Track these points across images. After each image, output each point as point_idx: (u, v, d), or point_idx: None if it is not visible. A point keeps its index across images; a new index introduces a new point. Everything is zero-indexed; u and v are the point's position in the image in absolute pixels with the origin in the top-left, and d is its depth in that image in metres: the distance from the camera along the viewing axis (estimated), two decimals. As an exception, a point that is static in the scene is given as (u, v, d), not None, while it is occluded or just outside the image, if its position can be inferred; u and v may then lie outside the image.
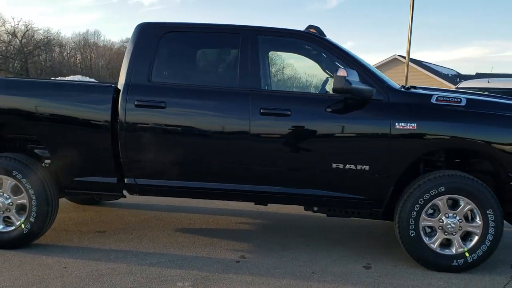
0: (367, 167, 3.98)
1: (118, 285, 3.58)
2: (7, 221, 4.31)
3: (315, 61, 4.54)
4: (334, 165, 4.01)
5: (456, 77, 34.96)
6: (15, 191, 4.26)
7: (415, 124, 3.91)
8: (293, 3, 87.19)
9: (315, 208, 4.38)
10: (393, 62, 35.21)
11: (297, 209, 5.99)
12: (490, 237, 3.96)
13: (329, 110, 4.01)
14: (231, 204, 6.08)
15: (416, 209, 3.97)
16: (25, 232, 4.25)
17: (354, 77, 3.79)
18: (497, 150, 3.91)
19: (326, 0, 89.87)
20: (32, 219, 4.22)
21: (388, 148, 3.94)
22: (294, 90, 5.29)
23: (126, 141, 4.11)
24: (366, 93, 3.88)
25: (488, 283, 3.86)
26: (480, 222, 3.95)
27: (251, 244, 4.64)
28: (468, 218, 4.01)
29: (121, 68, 4.24)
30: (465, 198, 3.94)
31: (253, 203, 4.53)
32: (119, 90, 4.16)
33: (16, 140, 4.54)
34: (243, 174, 4.12)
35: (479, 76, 34.66)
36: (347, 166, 4.00)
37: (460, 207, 3.97)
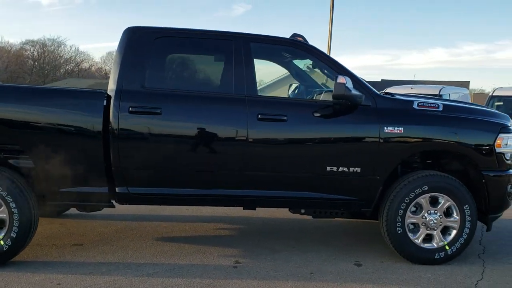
0: (358, 169, 4.19)
1: (126, 298, 3.46)
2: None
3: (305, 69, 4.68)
4: (328, 168, 4.17)
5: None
6: (-2, 205, 3.94)
7: (402, 128, 4.19)
8: (200, 9, 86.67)
9: (302, 211, 4.53)
10: None
11: (277, 213, 6.11)
12: (467, 230, 4.34)
13: (322, 115, 4.17)
14: (203, 210, 6.06)
15: (402, 208, 4.25)
16: (4, 249, 3.94)
17: (350, 84, 3.99)
18: (473, 151, 4.31)
19: (232, 8, 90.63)
20: (13, 235, 3.92)
21: (378, 150, 4.18)
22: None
23: (119, 149, 3.97)
24: (358, 99, 4.09)
25: (468, 271, 4.22)
26: (457, 217, 4.32)
27: (240, 249, 4.67)
28: (447, 214, 4.36)
29: (111, 74, 4.09)
30: (445, 196, 4.29)
31: (241, 207, 4.56)
32: (110, 97, 4.00)
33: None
34: (239, 179, 4.15)
35: (385, 82, 37.13)
36: (340, 169, 4.18)
37: (440, 204, 4.31)
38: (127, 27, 4.20)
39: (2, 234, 3.93)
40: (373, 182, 4.25)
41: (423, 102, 4.38)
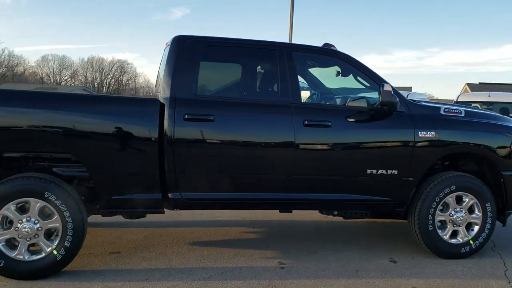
0: (395, 172, 4.47)
1: (198, 302, 3.53)
2: (32, 248, 3.88)
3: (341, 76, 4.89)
4: (368, 171, 4.42)
5: None
6: (44, 214, 3.87)
7: (434, 133, 4.51)
8: (137, 12, 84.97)
9: (335, 212, 4.75)
10: None
11: (286, 215, 6.29)
12: (488, 225, 4.73)
13: (362, 120, 4.42)
14: (219, 214, 6.13)
15: (433, 206, 4.57)
16: (58, 259, 3.88)
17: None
18: (494, 152, 4.70)
19: (170, 11, 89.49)
20: (67, 244, 3.87)
21: (412, 153, 4.48)
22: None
23: (175, 156, 4.02)
24: (398, 105, 4.37)
25: (492, 264, 4.61)
26: (480, 214, 4.70)
27: (276, 251, 4.81)
28: (470, 211, 4.73)
29: (162, 82, 4.13)
30: (470, 195, 4.65)
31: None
32: (163, 104, 4.05)
33: (29, 160, 4.12)
34: (286, 183, 4.31)
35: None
36: (380, 172, 4.44)
37: (465, 202, 4.67)
38: (175, 36, 4.26)
39: (55, 244, 3.87)
40: (407, 183, 4.54)
41: (448, 108, 4.73)
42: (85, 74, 75.42)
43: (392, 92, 4.19)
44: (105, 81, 76.21)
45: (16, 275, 3.81)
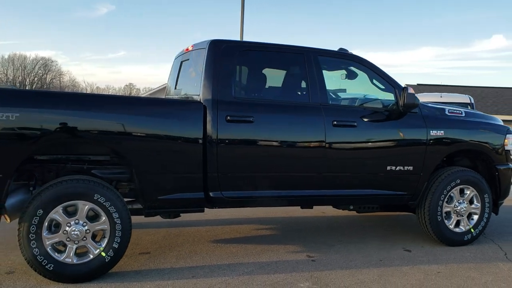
0: (411, 168, 4.86)
1: (256, 295, 3.70)
2: (79, 251, 3.86)
3: (348, 79, 5.21)
4: (388, 168, 4.77)
5: None
6: (92, 216, 3.86)
7: (443, 132, 4.95)
8: (57, 8, 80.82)
9: (351, 207, 5.09)
10: None
11: (290, 212, 6.54)
12: (486, 215, 5.26)
13: (382, 120, 4.77)
14: (223, 212, 6.26)
15: (441, 199, 5.02)
16: (107, 260, 3.88)
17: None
18: (491, 149, 5.23)
19: (93, 8, 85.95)
20: (115, 245, 3.89)
21: (425, 151, 4.89)
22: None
23: (218, 156, 4.14)
24: (419, 107, 4.78)
25: (492, 248, 5.14)
26: (479, 205, 5.22)
27: (299, 245, 5.05)
28: (470, 202, 5.22)
29: (202, 84, 4.23)
30: (471, 187, 5.15)
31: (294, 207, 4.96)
32: (205, 106, 4.16)
33: (68, 162, 4.08)
34: (317, 181, 4.56)
35: None
36: (398, 168, 4.81)
37: (467, 194, 5.16)
38: (211, 39, 4.37)
39: (103, 245, 3.87)
40: (421, 178, 4.94)
41: (451, 109, 5.21)
42: (5, 72, 70.93)
43: (415, 94, 4.57)
44: (27, 79, 72.10)
45: (65, 278, 3.77)
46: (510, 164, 5.44)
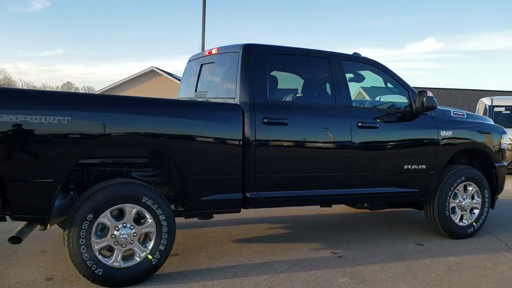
0: (424, 166, 5.17)
1: (305, 291, 3.84)
2: (124, 255, 3.85)
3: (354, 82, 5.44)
4: (405, 167, 5.05)
5: None
6: (138, 219, 3.85)
7: (451, 132, 5.30)
8: None
9: (365, 204, 5.34)
10: (150, 74, 36.56)
11: (294, 210, 6.71)
12: (486, 209, 5.67)
13: (398, 121, 5.04)
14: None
15: (449, 195, 5.37)
16: (153, 263, 3.89)
17: (427, 97, 4.95)
18: (490, 148, 5.64)
19: (29, 3, 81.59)
20: (161, 247, 3.90)
21: (437, 150, 5.22)
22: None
23: (256, 157, 4.24)
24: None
25: (492, 240, 5.55)
26: (479, 200, 5.62)
27: (319, 243, 5.23)
28: (472, 197, 5.61)
29: (237, 87, 4.31)
30: (473, 184, 5.54)
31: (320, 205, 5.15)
32: (242, 109, 4.24)
33: (108, 165, 4.05)
34: (344, 180, 4.76)
35: None
36: (413, 167, 5.10)
37: (470, 191, 5.55)
38: (245, 44, 4.45)
39: (149, 248, 3.88)
40: (432, 176, 5.26)
41: (455, 111, 5.57)
42: None
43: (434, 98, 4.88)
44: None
45: (114, 283, 3.74)
46: (504, 162, 5.89)
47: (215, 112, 4.18)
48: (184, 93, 5.56)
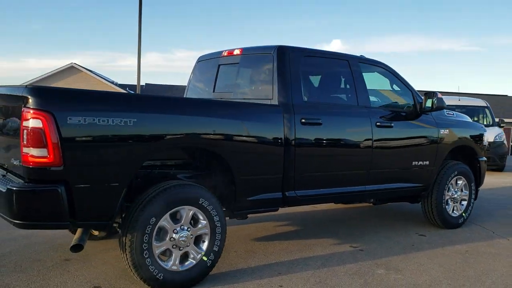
0: (427, 162, 5.57)
1: (345, 279, 4.03)
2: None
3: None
4: (413, 163, 5.42)
5: (115, 84, 37.29)
6: (193, 221, 3.82)
7: (448, 130, 5.76)
8: None
9: (372, 200, 5.66)
10: (70, 70, 35.24)
11: (295, 207, 6.87)
12: (472, 200, 6.23)
13: (407, 121, 5.39)
14: None
15: (446, 188, 5.83)
16: (208, 265, 3.88)
17: (435, 98, 5.34)
18: (476, 144, 6.20)
19: None
20: (215, 248, 3.90)
21: (437, 147, 5.64)
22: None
23: (295, 157, 4.35)
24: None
25: (483, 228, 6.10)
26: (467, 192, 6.16)
27: (336, 238, 5.44)
28: (461, 190, 6.13)
29: (274, 88, 4.38)
30: (463, 177, 6.06)
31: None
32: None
33: (156, 167, 3.97)
34: (366, 177, 5.01)
35: (150, 86, 38.42)
36: (419, 163, 5.48)
37: (460, 184, 6.06)
38: (278, 45, 4.54)
39: (204, 249, 3.85)
40: (433, 171, 5.68)
41: (448, 111, 6.05)
42: None
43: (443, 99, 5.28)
44: None
45: (174, 287, 3.69)
46: (484, 157, 6.50)
47: (262, 113, 4.24)
48: (196, 93, 5.52)
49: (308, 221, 6.32)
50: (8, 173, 3.60)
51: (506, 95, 36.90)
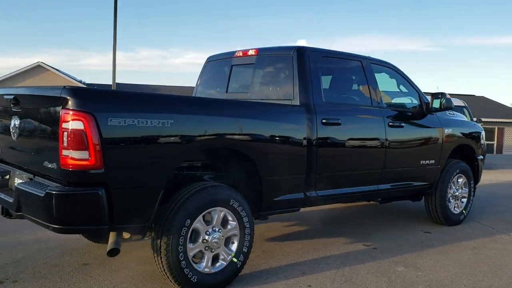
0: (433, 161, 5.71)
1: (365, 276, 4.09)
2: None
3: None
4: (421, 162, 5.54)
5: (82, 83, 36.72)
6: (223, 222, 3.80)
7: (451, 130, 5.92)
8: None
9: (379, 198, 5.76)
10: (37, 69, 34.39)
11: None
12: (471, 198, 6.42)
13: (415, 121, 5.51)
14: None
15: (448, 186, 5.99)
16: (238, 266, 3.87)
17: (440, 98, 5.48)
18: (475, 143, 6.39)
19: None
20: (245, 249, 3.89)
21: (442, 146, 5.79)
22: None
23: (318, 157, 4.38)
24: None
25: (483, 225, 6.29)
26: (467, 190, 6.34)
27: (346, 237, 5.50)
28: (462, 188, 6.31)
29: (296, 89, 4.40)
30: (463, 175, 6.24)
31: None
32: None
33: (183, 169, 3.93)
34: (380, 176, 5.09)
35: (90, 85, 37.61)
36: (426, 162, 5.61)
37: (461, 182, 6.23)
38: (297, 46, 4.55)
39: (234, 251, 3.84)
40: (438, 170, 5.83)
41: (449, 111, 6.20)
42: None
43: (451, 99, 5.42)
44: None
45: (207, 289, 3.67)
46: (481, 156, 6.70)
47: (287, 113, 4.24)
48: (206, 93, 5.48)
49: (315, 221, 6.36)
50: (35, 177, 3.49)
51: (473, 95, 38.03)
